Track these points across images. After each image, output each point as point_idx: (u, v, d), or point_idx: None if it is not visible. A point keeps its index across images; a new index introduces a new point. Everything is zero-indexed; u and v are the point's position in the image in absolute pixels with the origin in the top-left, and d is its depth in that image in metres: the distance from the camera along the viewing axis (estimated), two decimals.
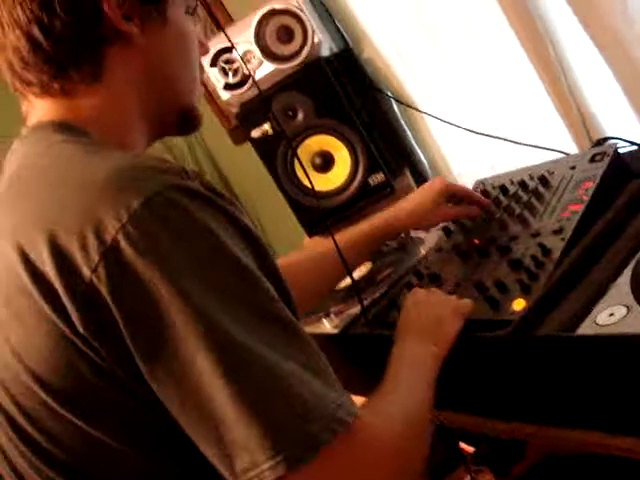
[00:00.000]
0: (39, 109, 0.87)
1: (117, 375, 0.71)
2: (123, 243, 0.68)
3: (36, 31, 0.80)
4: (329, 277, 1.35)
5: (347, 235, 1.33)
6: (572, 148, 1.72)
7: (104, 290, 0.68)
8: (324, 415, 0.68)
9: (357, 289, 1.28)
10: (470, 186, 1.49)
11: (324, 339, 1.34)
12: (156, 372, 0.69)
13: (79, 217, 0.70)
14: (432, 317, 1.06)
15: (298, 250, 1.49)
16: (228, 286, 0.70)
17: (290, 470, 0.66)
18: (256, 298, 0.72)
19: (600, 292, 0.95)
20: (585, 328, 0.90)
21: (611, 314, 0.88)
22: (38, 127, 0.85)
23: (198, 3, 0.94)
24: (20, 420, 0.77)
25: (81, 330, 0.70)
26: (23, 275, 0.72)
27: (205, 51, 0.98)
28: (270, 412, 0.67)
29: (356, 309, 1.36)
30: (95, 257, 0.68)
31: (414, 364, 0.98)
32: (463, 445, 1.67)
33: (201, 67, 0.96)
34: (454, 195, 1.35)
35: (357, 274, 1.58)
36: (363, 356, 1.30)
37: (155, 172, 0.73)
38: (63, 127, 0.83)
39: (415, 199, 1.36)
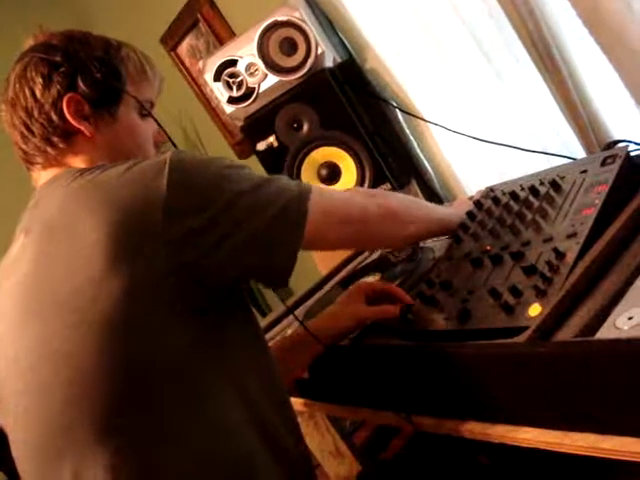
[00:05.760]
0: (45, 176, 1.18)
1: None
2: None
3: (24, 130, 1.16)
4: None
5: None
6: (580, 153, 1.72)
7: None
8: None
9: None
10: (476, 193, 1.49)
11: (338, 350, 1.32)
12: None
13: None
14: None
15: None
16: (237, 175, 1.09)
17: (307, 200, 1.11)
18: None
19: (617, 295, 0.93)
20: (604, 332, 0.88)
21: (630, 317, 0.87)
22: (55, 177, 1.15)
23: (151, 106, 1.26)
24: None
25: None
26: None
27: (162, 139, 1.29)
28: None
29: None
30: None
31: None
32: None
33: (157, 147, 1.28)
34: (374, 294, 1.35)
35: None
36: (375, 366, 1.28)
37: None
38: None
39: (335, 305, 1.40)
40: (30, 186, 1.23)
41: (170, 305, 1.02)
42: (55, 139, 1.16)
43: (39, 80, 1.14)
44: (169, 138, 1.28)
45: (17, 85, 1.16)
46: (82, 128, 1.16)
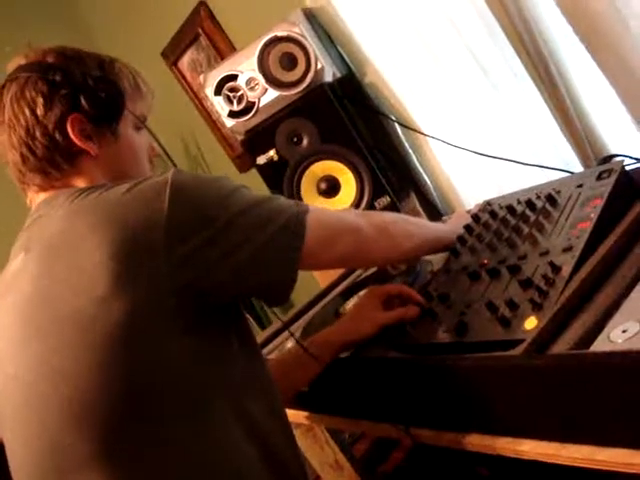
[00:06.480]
0: (42, 196, 1.17)
1: None
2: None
3: (25, 151, 1.14)
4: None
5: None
6: (577, 166, 1.73)
7: None
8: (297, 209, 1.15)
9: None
10: (472, 207, 1.50)
11: (337, 362, 1.33)
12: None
13: None
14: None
15: None
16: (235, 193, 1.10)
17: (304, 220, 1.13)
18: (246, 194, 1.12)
19: (612, 308, 0.95)
20: (598, 345, 0.89)
21: (624, 330, 0.88)
22: (54, 196, 1.14)
23: (144, 121, 1.26)
24: None
25: None
26: None
27: (155, 154, 1.30)
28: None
29: None
30: None
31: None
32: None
33: (151, 162, 1.29)
34: (388, 298, 1.36)
35: None
36: (374, 379, 1.29)
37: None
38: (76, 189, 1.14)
39: (351, 313, 1.42)
40: (24, 204, 1.22)
41: (172, 324, 1.02)
42: (58, 159, 1.15)
43: (40, 100, 1.12)
44: (164, 151, 1.27)
45: (15, 105, 1.14)
46: (87, 148, 1.15)
